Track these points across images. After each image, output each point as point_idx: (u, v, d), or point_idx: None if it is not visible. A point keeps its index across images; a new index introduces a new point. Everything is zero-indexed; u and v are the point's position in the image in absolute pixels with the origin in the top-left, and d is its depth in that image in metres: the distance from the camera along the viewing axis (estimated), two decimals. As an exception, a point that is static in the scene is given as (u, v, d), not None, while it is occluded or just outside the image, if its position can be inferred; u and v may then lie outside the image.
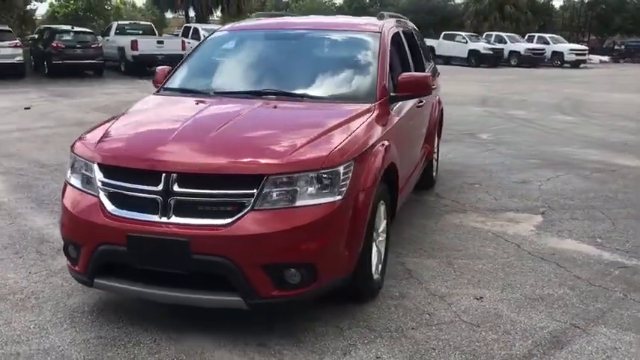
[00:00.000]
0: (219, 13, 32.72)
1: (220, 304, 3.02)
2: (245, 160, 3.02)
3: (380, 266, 3.73)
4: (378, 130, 3.64)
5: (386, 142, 3.65)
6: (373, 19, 4.87)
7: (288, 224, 2.92)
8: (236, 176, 2.96)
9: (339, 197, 3.06)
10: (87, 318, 3.39)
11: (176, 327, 3.27)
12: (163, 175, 2.98)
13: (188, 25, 25.08)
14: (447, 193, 6.13)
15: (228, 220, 2.91)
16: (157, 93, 4.30)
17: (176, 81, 4.37)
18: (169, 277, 3.03)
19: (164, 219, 2.97)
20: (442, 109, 6.48)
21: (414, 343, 3.16)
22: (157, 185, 2.99)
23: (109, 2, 55.10)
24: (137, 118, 3.77)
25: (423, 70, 5.34)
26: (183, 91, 4.21)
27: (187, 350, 3.07)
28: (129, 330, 3.26)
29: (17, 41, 19.57)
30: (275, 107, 3.78)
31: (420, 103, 4.88)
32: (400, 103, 4.32)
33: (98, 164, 3.18)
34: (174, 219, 2.96)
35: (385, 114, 3.88)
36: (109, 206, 3.08)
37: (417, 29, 5.90)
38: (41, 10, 53.65)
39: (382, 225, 3.80)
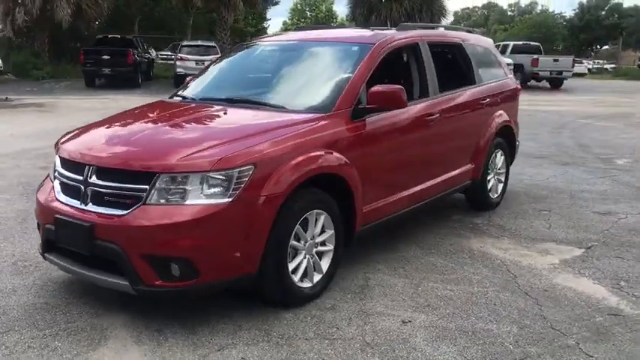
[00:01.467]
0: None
1: (115, 287, 3.34)
2: (143, 158, 3.31)
3: (316, 275, 3.76)
4: (313, 139, 3.66)
5: (321, 152, 3.64)
6: (377, 31, 4.79)
7: (169, 220, 3.15)
8: (133, 172, 3.27)
9: (229, 199, 3.19)
10: (52, 285, 3.94)
11: (104, 303, 3.65)
12: (86, 167, 3.42)
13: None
14: (501, 217, 5.71)
15: (124, 212, 3.23)
16: (164, 99, 4.77)
17: (184, 88, 4.81)
18: (87, 257, 3.43)
19: (82, 205, 3.39)
20: (510, 129, 6.03)
21: (292, 352, 3.16)
22: (81, 176, 3.43)
23: (334, 19, 59.25)
24: (110, 120, 4.27)
25: (452, 86, 5.06)
26: (180, 97, 4.63)
27: (96, 324, 3.43)
28: (69, 301, 3.72)
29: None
30: (225, 113, 4.01)
31: (430, 117, 4.66)
32: (384, 115, 4.22)
33: (58, 156, 3.73)
34: (89, 206, 3.37)
35: (339, 125, 3.86)
36: (57, 192, 3.60)
37: (466, 43, 5.54)
38: (275, 27, 59.42)
39: (325, 236, 3.79)
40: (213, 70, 4.98)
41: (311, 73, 4.44)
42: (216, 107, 4.15)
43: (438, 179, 4.90)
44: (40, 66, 24.10)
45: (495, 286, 4.05)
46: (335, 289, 3.94)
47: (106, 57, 20.68)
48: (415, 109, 4.59)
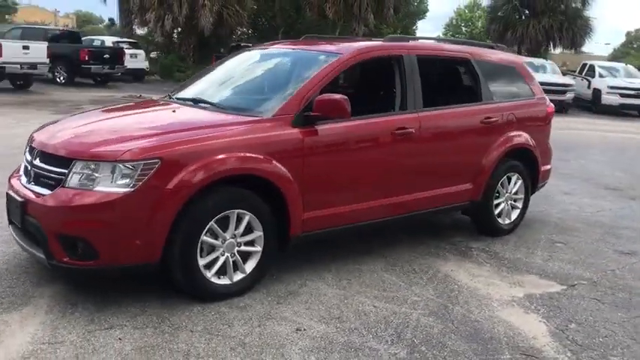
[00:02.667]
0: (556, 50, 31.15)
1: (39, 260, 3.73)
2: (69, 146, 3.67)
3: (238, 274, 3.90)
4: (239, 141, 3.79)
5: (244, 154, 3.77)
6: (357, 43, 4.79)
7: (75, 202, 3.47)
8: (59, 157, 3.65)
9: (130, 189, 3.44)
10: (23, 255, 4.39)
11: (53, 275, 4.02)
12: (35, 151, 3.87)
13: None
14: (504, 244, 5.39)
15: (48, 192, 3.61)
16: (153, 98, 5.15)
17: (180, 88, 5.16)
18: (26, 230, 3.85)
19: (27, 184, 3.84)
20: (530, 152, 5.67)
21: (167, 340, 3.32)
22: (31, 158, 3.89)
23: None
24: (83, 114, 4.69)
25: (437, 102, 4.90)
26: (168, 96, 4.97)
27: (28, 292, 3.85)
28: (27, 270, 4.15)
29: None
30: (174, 111, 4.28)
31: (402, 131, 4.57)
32: (340, 125, 4.25)
33: (27, 142, 4.23)
34: (30, 185, 3.80)
35: (275, 129, 3.96)
36: (20, 172, 4.10)
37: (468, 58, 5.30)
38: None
39: (252, 237, 3.90)
40: (207, 73, 5.27)
41: (274, 79, 4.56)
42: (174, 106, 4.43)
43: (416, 195, 4.76)
44: (183, 69, 26.18)
45: (425, 310, 3.89)
46: (261, 291, 4.02)
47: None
48: (381, 121, 4.52)
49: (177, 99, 4.72)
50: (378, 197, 4.56)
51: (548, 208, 6.77)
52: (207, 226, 3.68)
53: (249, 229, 3.91)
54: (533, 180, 5.82)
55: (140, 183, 3.43)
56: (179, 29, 25.92)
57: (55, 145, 3.75)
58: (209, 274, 3.76)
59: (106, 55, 20.73)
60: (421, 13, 49.50)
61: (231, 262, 3.85)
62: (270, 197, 3.94)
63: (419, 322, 3.71)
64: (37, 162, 3.79)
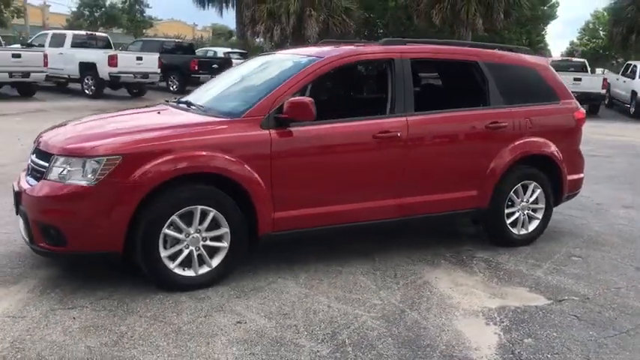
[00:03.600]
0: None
1: (26, 243, 4.18)
2: (54, 143, 4.09)
3: (204, 267, 4.12)
4: (205, 140, 4.02)
5: (208, 152, 3.99)
6: (347, 46, 4.85)
7: (47, 193, 3.88)
8: (44, 153, 4.09)
9: (94, 183, 3.80)
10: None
11: (53, 260, 4.43)
12: (34, 147, 4.37)
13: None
14: (512, 255, 5.15)
15: (35, 184, 4.08)
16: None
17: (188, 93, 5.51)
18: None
19: (26, 177, 4.34)
20: (552, 160, 5.38)
21: (113, 322, 3.61)
22: (32, 154, 4.39)
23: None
24: (90, 116, 5.12)
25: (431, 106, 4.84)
26: (175, 100, 5.32)
27: (23, 273, 4.30)
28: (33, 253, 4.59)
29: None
30: (158, 113, 4.60)
31: (386, 135, 4.57)
32: (316, 127, 4.37)
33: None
34: (27, 178, 4.30)
35: (243, 130, 4.14)
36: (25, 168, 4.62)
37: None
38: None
39: (218, 233, 4.12)
40: (214, 79, 5.56)
41: (258, 83, 4.71)
42: (163, 108, 4.75)
43: (406, 200, 4.72)
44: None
45: (377, 313, 3.88)
46: (229, 284, 4.21)
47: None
48: (362, 124, 4.55)
49: (179, 102, 5.02)
50: (360, 200, 4.57)
51: (592, 220, 6.36)
52: (169, 220, 3.91)
53: (215, 226, 4.09)
54: (557, 190, 5.48)
55: (103, 177, 3.76)
56: (287, 39, 26.82)
57: (46, 142, 4.18)
58: (172, 265, 3.99)
59: (215, 65, 21.92)
60: (549, 17, 47.20)
61: (195, 256, 4.06)
62: (238, 196, 4.09)
63: (363, 325, 3.70)
64: (33, 157, 4.25)
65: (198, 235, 4.05)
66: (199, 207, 4.00)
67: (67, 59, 18.65)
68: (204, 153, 3.95)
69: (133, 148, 3.84)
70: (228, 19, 60.51)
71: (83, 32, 20.93)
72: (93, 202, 3.78)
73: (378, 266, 4.72)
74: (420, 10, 26.72)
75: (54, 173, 3.90)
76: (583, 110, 5.66)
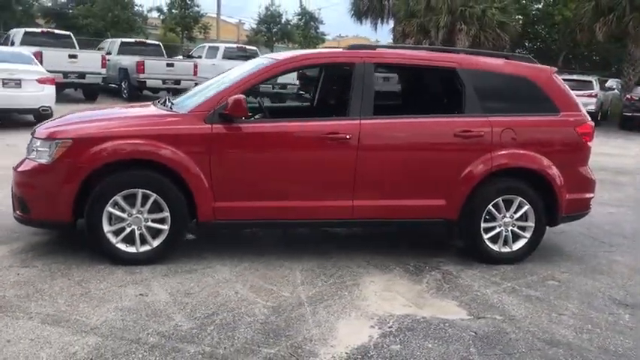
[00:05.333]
0: None
1: (15, 216, 4.97)
2: (38, 129, 4.84)
3: (145, 246, 4.54)
4: (147, 130, 4.51)
5: (147, 141, 4.46)
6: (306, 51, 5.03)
7: (21, 169, 4.64)
8: (34, 137, 4.87)
9: (50, 161, 4.50)
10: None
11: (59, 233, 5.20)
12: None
13: None
14: (490, 272, 4.91)
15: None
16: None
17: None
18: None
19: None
20: (542, 175, 5.03)
21: (36, 286, 4.27)
22: None
23: None
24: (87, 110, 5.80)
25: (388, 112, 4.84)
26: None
27: (28, 241, 5.09)
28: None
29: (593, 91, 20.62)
30: (132, 107, 5.18)
31: (334, 136, 4.70)
32: (261, 125, 4.70)
33: None
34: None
35: (185, 123, 4.57)
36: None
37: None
38: None
39: (160, 215, 4.58)
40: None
41: (224, 82, 5.06)
42: (145, 104, 5.31)
43: (357, 203, 4.77)
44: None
45: (274, 303, 4.03)
46: (168, 264, 4.59)
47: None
48: (310, 125, 4.72)
49: (166, 101, 5.48)
50: (307, 198, 4.72)
51: (613, 247, 5.76)
52: (112, 200, 4.44)
53: (159, 209, 4.54)
54: (552, 208, 5.11)
55: (56, 157, 4.39)
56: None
57: (37, 129, 4.95)
58: (114, 240, 4.51)
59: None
60: None
61: (137, 234, 4.54)
62: (180, 183, 4.51)
63: (247, 311, 3.89)
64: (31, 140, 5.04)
65: (140, 215, 4.50)
66: (140, 190, 4.46)
67: (218, 69, 20.29)
68: (141, 141, 4.41)
69: (82, 134, 4.44)
70: (382, 33, 61.09)
71: (234, 45, 22.71)
72: (48, 177, 4.43)
73: (325, 265, 4.81)
74: (583, 24, 24.93)
75: (32, 153, 4.62)
76: (590, 124, 5.18)
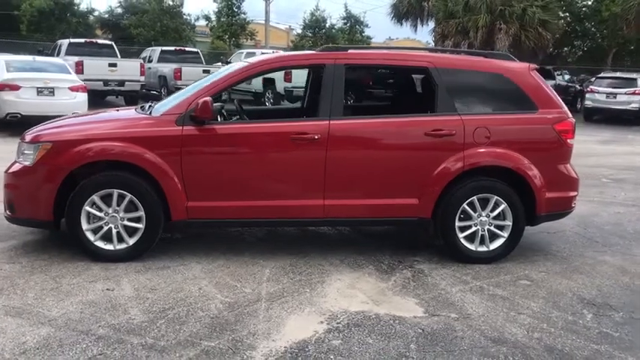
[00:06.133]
0: None
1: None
2: (26, 134, 5.13)
3: (121, 244, 4.75)
4: (119, 133, 4.73)
5: (119, 144, 4.68)
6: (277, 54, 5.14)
7: (8, 170, 4.94)
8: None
9: (32, 164, 4.78)
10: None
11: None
12: None
13: None
14: (463, 270, 4.89)
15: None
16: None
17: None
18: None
19: None
20: (517, 173, 4.97)
21: (18, 280, 4.54)
22: None
23: None
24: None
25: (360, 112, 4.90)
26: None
27: (33, 240, 5.48)
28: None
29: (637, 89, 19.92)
30: (116, 111, 5.42)
31: (302, 137, 4.79)
32: (230, 126, 4.87)
33: None
34: None
35: (156, 126, 4.75)
36: None
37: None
38: None
39: (135, 215, 4.79)
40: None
41: (198, 85, 5.21)
42: (131, 108, 5.54)
43: (327, 202, 4.85)
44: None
45: (232, 299, 4.15)
46: (144, 261, 4.77)
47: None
48: (278, 126, 4.85)
49: (149, 105, 5.66)
50: (278, 198, 4.84)
51: (605, 247, 5.65)
52: (89, 199, 4.67)
53: (135, 208, 4.75)
54: (531, 207, 5.06)
55: (37, 159, 4.66)
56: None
57: (26, 132, 5.24)
58: (93, 238, 4.74)
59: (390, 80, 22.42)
60: None
61: (114, 233, 4.76)
62: (154, 183, 4.70)
63: (202, 307, 4.01)
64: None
65: (116, 215, 4.72)
66: (115, 190, 4.67)
67: (253, 75, 20.61)
68: (113, 144, 4.62)
69: (60, 137, 4.69)
70: (422, 35, 60.11)
71: (270, 51, 23.00)
72: (30, 179, 4.70)
73: (297, 263, 4.91)
74: (630, 20, 24.13)
75: (20, 157, 4.91)
76: (570, 121, 5.09)
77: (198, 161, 4.70)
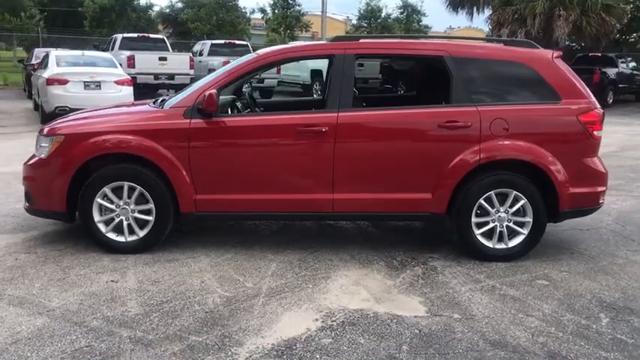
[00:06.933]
0: None
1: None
2: (46, 126, 5.26)
3: (132, 236, 4.78)
4: (128, 125, 4.76)
5: (129, 137, 4.72)
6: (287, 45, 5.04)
7: (26, 163, 5.08)
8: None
9: (45, 156, 4.90)
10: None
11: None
12: None
13: None
14: (479, 268, 4.72)
15: None
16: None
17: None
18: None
19: None
20: (537, 167, 4.71)
21: (26, 269, 4.66)
22: None
23: None
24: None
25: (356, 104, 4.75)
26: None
27: (48, 232, 5.64)
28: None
29: None
30: (133, 105, 5.48)
31: (308, 129, 4.67)
32: (237, 119, 4.85)
33: None
34: None
35: (165, 119, 4.75)
36: None
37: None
38: None
39: (145, 207, 4.81)
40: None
41: (207, 78, 5.18)
42: (145, 101, 5.57)
43: (336, 196, 4.75)
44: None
45: (231, 294, 4.11)
46: (154, 253, 4.80)
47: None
48: (285, 118, 4.77)
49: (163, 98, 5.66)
50: (286, 191, 4.76)
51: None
52: (101, 191, 4.73)
53: (145, 201, 4.79)
54: (553, 202, 4.81)
55: (51, 152, 4.76)
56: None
57: (44, 126, 5.36)
58: (105, 230, 4.81)
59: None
60: None
61: (125, 225, 4.81)
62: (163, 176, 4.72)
63: (200, 300, 4.00)
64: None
65: (127, 207, 4.77)
66: (126, 183, 4.72)
67: (302, 67, 20.67)
68: (122, 137, 4.66)
69: (72, 130, 4.77)
70: (477, 22, 58.39)
71: (319, 42, 22.87)
72: (45, 171, 4.80)
73: (306, 258, 4.83)
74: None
75: (38, 149, 5.03)
76: (597, 112, 4.78)
77: (205, 154, 4.67)
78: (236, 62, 5.04)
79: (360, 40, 4.98)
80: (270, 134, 4.70)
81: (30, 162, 4.94)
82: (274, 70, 19.13)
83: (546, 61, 4.80)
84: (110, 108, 5.62)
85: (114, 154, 4.69)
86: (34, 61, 18.81)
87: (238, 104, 5.43)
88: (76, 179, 4.73)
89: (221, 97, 4.93)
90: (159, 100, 5.21)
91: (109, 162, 4.73)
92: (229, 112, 5.07)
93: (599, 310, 3.97)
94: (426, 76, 5.09)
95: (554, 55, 4.84)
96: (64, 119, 5.24)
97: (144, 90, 16.73)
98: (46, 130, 4.95)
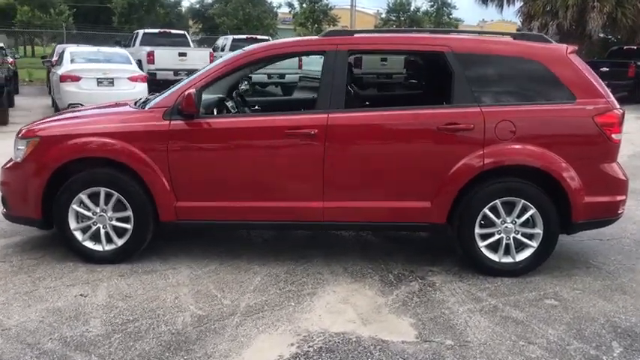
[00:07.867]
0: None
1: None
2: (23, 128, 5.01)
3: (110, 245, 4.50)
4: (104, 128, 4.46)
5: (104, 139, 4.41)
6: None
7: (2, 167, 4.84)
8: (18, 137, 5.04)
9: (20, 159, 4.64)
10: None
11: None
12: None
13: None
14: (482, 285, 4.31)
15: None
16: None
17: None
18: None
19: None
20: (550, 175, 4.27)
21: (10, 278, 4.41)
22: None
23: None
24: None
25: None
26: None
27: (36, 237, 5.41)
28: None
29: None
30: (113, 106, 5.17)
31: (294, 131, 4.34)
32: (219, 121, 4.52)
33: None
34: None
35: (143, 120, 4.43)
36: None
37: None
38: None
39: (123, 214, 4.52)
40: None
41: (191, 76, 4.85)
42: (127, 101, 5.27)
43: (326, 204, 4.39)
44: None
45: (205, 312, 3.80)
46: (132, 263, 4.51)
47: (604, 69, 19.78)
48: (270, 119, 4.43)
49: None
50: (273, 199, 4.42)
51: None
52: (76, 198, 4.45)
53: (123, 207, 4.50)
54: (566, 213, 4.36)
55: (26, 155, 4.50)
56: (565, 36, 24.49)
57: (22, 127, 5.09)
58: (81, 238, 4.53)
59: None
60: None
61: (102, 233, 4.53)
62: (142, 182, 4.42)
63: (169, 319, 3.69)
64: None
65: (104, 214, 4.48)
66: (102, 189, 4.43)
67: (319, 61, 20.22)
68: (94, 139, 4.36)
69: (47, 132, 4.49)
70: (507, 14, 57.19)
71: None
72: (19, 175, 4.54)
73: (295, 271, 4.49)
74: None
75: (15, 152, 4.78)
76: (616, 113, 4.31)
77: (186, 158, 4.35)
78: (221, 59, 4.69)
79: (355, 35, 4.58)
80: (255, 137, 4.36)
81: (7, 165, 4.68)
82: (296, 65, 18.78)
83: (559, 56, 4.34)
84: (92, 108, 5.33)
85: (90, 157, 4.38)
86: (55, 58, 18.82)
87: (229, 104, 5.08)
88: (52, 184, 4.42)
89: (208, 97, 4.61)
90: (141, 101, 4.89)
91: (89, 166, 4.42)
92: (215, 112, 4.71)
93: (612, 337, 3.53)
94: (426, 74, 4.66)
95: (569, 50, 4.38)
96: (43, 120, 4.97)
97: (164, 86, 16.52)
98: (23, 131, 4.68)
